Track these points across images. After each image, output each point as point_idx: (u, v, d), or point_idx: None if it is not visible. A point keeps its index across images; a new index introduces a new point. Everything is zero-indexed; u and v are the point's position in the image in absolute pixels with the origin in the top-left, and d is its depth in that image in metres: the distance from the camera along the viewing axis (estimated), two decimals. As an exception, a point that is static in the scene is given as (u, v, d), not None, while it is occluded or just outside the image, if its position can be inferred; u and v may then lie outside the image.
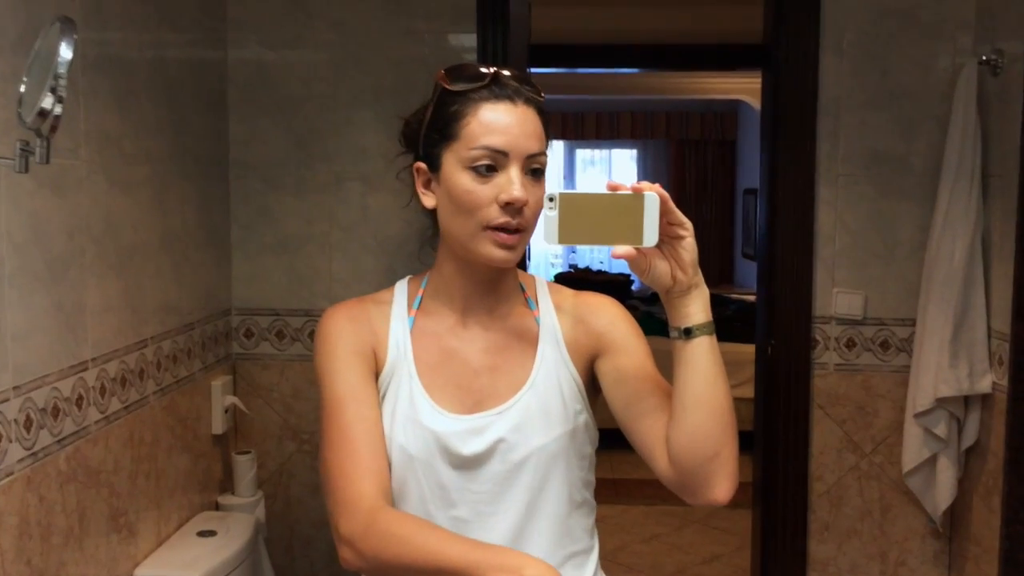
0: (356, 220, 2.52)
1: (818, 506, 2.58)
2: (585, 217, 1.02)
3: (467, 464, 1.16)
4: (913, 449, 2.42)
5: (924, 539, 2.55)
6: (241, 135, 2.50)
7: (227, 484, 2.45)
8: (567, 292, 1.28)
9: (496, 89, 1.13)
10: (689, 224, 1.04)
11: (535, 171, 1.14)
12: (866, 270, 2.51)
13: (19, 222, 1.50)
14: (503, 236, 1.12)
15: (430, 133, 1.17)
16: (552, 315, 1.24)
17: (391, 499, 1.15)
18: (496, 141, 1.11)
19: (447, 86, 1.15)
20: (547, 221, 1.03)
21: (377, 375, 1.20)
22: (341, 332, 1.20)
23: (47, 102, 1.15)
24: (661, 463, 1.13)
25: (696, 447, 1.09)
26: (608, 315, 1.23)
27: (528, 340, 1.22)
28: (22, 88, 1.20)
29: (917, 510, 2.53)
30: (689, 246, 1.04)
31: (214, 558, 2.00)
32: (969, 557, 2.44)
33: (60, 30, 1.16)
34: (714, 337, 1.09)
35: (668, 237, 1.04)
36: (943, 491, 2.41)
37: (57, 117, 1.16)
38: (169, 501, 2.10)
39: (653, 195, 1.00)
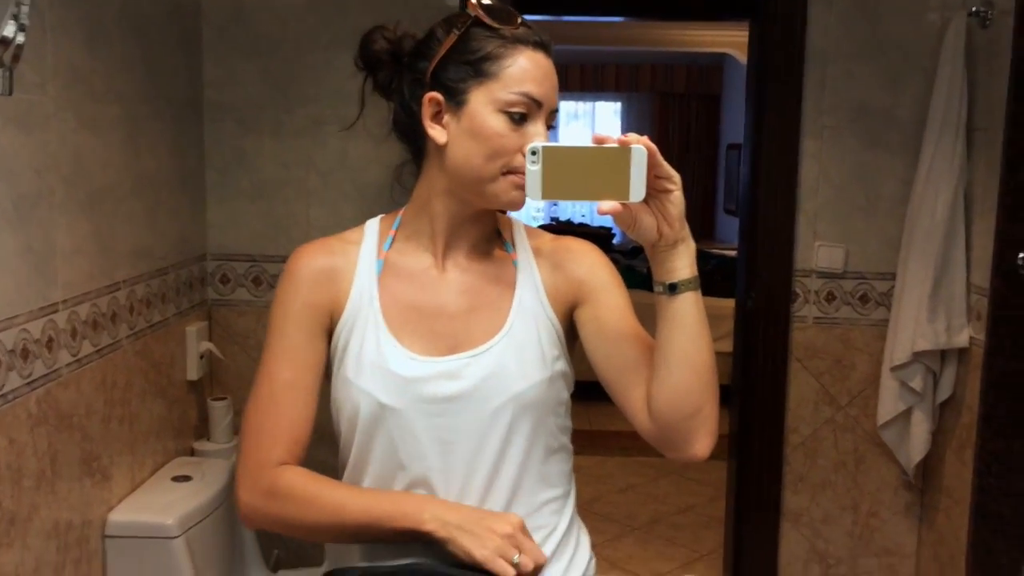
0: (334, 165, 2.48)
1: (793, 458, 2.60)
2: (569, 171, 0.98)
3: (440, 410, 1.12)
4: (888, 402, 2.44)
5: (896, 491, 2.58)
6: (216, 76, 2.44)
7: (202, 430, 2.43)
8: (546, 236, 1.25)
9: (533, 36, 1.11)
10: (677, 177, 1.01)
11: (550, 128, 1.13)
12: (848, 224, 2.51)
13: (-16, 158, 1.46)
14: (520, 179, 1.09)
15: (455, 65, 1.11)
16: (530, 259, 1.20)
17: (299, 458, 1.14)
18: (535, 90, 1.09)
19: (489, 21, 1.10)
20: (530, 176, 0.98)
21: (335, 324, 1.16)
22: (295, 281, 1.16)
23: (9, 30, 1.11)
24: (641, 418, 1.11)
25: (678, 404, 1.07)
26: (588, 262, 1.19)
27: (505, 283, 1.18)
28: (-17, 16, 1.15)
29: (890, 462, 2.56)
30: (676, 200, 1.01)
31: (189, 503, 1.99)
32: (940, 509, 2.48)
33: (22, -46, 1.11)
34: (699, 293, 1.06)
35: (655, 191, 1.00)
36: (917, 444, 2.43)
37: (20, 46, 1.11)
38: (143, 446, 2.08)
39: (640, 148, 0.97)
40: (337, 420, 1.18)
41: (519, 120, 1.09)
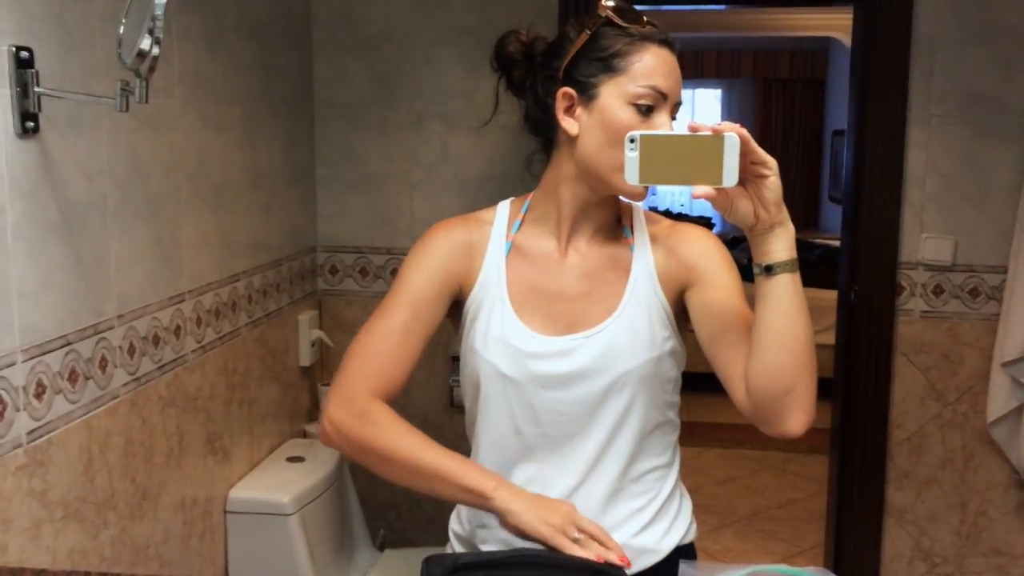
0: (436, 159, 2.56)
1: (897, 454, 2.55)
2: (666, 158, 1.04)
3: (555, 384, 1.20)
4: (999, 398, 2.37)
5: (1007, 490, 2.51)
6: (325, 74, 2.55)
7: (314, 414, 2.55)
8: (664, 222, 1.31)
9: (658, 33, 1.18)
10: (772, 163, 1.04)
11: (673, 116, 1.19)
12: (957, 215, 2.43)
13: (120, 159, 1.58)
14: None
15: (586, 62, 1.18)
16: (646, 244, 1.26)
17: (392, 399, 1.21)
18: (662, 83, 1.15)
19: (619, 21, 1.18)
20: (628, 162, 1.04)
21: (466, 297, 1.25)
22: (436, 246, 1.26)
23: (145, 43, 1.20)
24: (739, 394, 1.16)
25: (772, 381, 1.11)
26: (700, 246, 1.25)
27: (621, 268, 1.25)
28: (121, 30, 1.25)
29: (1000, 460, 2.48)
30: (772, 185, 1.05)
31: (303, 482, 2.11)
32: (1054, 509, 2.40)
33: (157, -27, 1.20)
34: (797, 275, 1.10)
35: (751, 176, 1.04)
36: (1029, 442, 2.35)
37: (155, 57, 1.21)
38: (260, 428, 2.21)
39: (733, 135, 1.01)
40: (464, 385, 1.29)
41: (646, 112, 1.15)
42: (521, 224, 1.28)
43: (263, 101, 2.20)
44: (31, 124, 1.32)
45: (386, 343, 1.21)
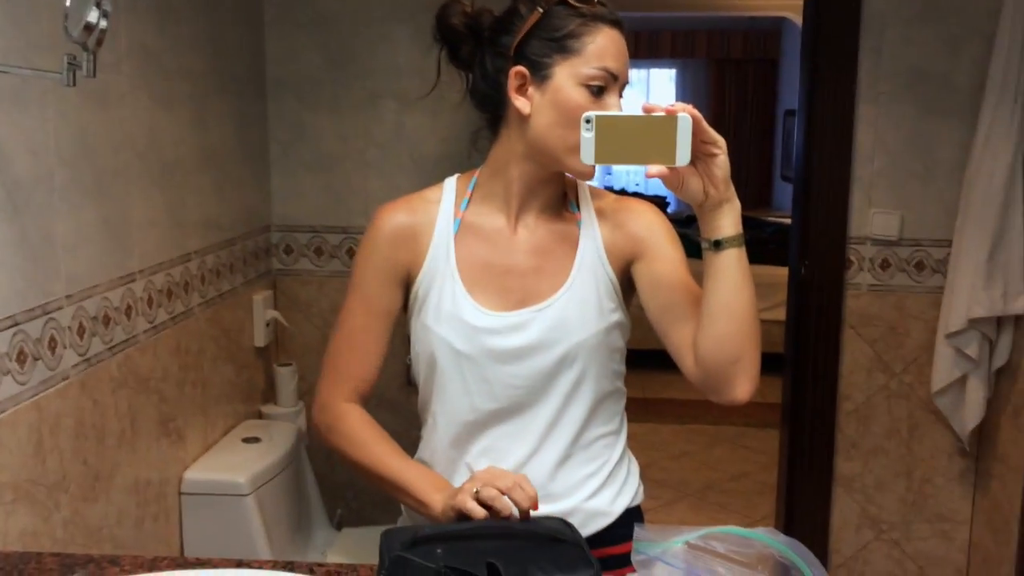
0: (391, 138, 2.54)
1: (846, 424, 2.62)
2: (620, 138, 1.07)
3: (509, 359, 1.23)
4: (944, 369, 2.44)
5: (951, 457, 2.58)
6: (277, 52, 2.52)
7: (269, 395, 2.54)
8: (609, 197, 1.33)
9: (609, 16, 1.19)
10: (722, 142, 1.08)
11: (621, 95, 1.22)
12: (904, 190, 2.49)
13: (67, 136, 1.55)
14: None
15: (539, 42, 1.19)
16: (593, 219, 1.29)
17: (365, 400, 1.31)
18: (613, 65, 1.18)
19: (572, 2, 1.19)
20: (584, 142, 1.07)
21: (414, 277, 1.28)
22: (379, 238, 1.28)
23: (92, 16, 1.18)
24: (688, 364, 1.21)
25: (720, 351, 1.16)
26: (646, 220, 1.28)
27: (569, 242, 1.27)
28: (67, 2, 1.22)
29: (944, 429, 2.56)
30: (721, 163, 1.08)
31: (259, 463, 2.10)
32: (995, 475, 2.48)
33: (102, -56, 1.18)
34: (743, 250, 1.14)
35: (701, 154, 1.08)
36: (972, 411, 2.43)
37: (103, 31, 1.18)
38: (215, 409, 2.19)
39: (686, 116, 1.04)
40: (416, 363, 1.31)
41: (598, 93, 1.17)
42: (469, 201, 1.30)
43: (214, 78, 2.17)
44: (-28, 99, 1.29)
45: (349, 347, 1.29)
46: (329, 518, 2.46)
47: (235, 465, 2.08)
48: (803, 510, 2.70)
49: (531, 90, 1.20)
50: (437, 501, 1.17)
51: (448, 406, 1.28)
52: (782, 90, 8.15)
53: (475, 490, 1.10)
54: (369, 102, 2.53)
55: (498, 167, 1.27)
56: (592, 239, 1.27)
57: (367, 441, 1.26)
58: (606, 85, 1.18)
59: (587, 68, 1.17)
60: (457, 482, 1.23)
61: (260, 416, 2.47)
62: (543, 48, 1.19)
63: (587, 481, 1.28)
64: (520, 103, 1.20)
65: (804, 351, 2.60)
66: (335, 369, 1.30)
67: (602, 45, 1.17)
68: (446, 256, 1.26)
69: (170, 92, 1.94)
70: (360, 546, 2.31)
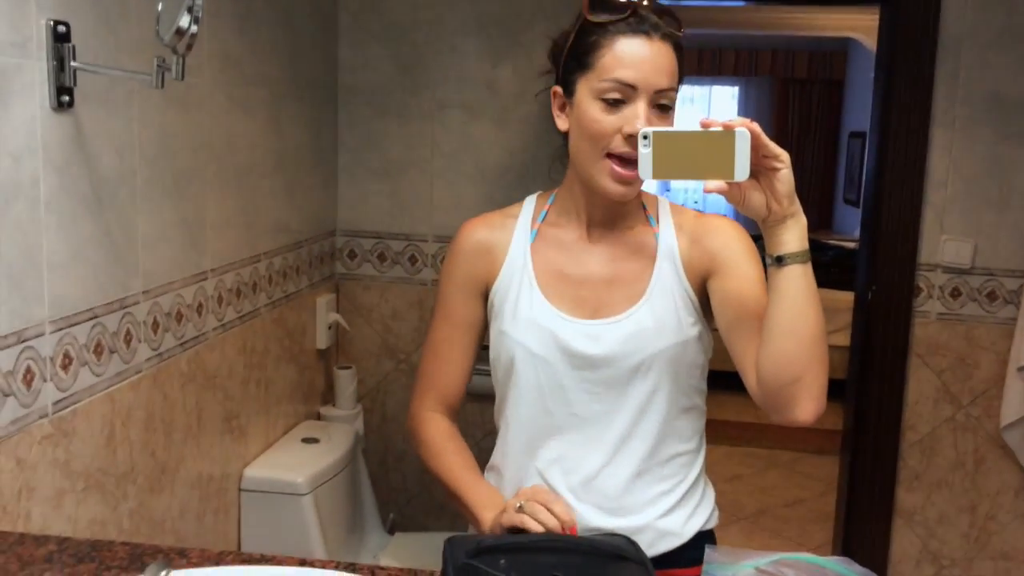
0: (457, 148, 2.56)
1: (909, 455, 2.55)
2: (678, 153, 1.07)
3: (583, 365, 1.24)
4: (1014, 403, 2.37)
5: (1018, 494, 2.51)
6: (350, 60, 2.56)
7: (329, 396, 2.57)
8: (690, 213, 1.33)
9: (634, 22, 1.17)
10: (785, 156, 1.06)
11: (663, 106, 1.18)
12: (978, 218, 2.43)
13: (150, 136, 1.59)
14: (619, 171, 1.18)
15: (569, 60, 1.22)
16: (671, 233, 1.29)
17: (452, 409, 1.37)
18: (627, 75, 1.16)
19: (588, 16, 1.20)
20: (642, 158, 1.08)
21: (490, 287, 1.32)
22: (459, 255, 1.34)
23: (184, 20, 1.21)
24: (751, 382, 1.18)
25: (781, 370, 1.13)
26: (724, 236, 1.27)
27: (646, 255, 1.28)
28: (159, 6, 1.26)
29: (1012, 465, 2.48)
30: (784, 177, 1.06)
31: (318, 463, 2.12)
32: (1064, 515, 2.40)
33: (196, -49, 1.21)
34: (808, 266, 1.11)
35: (763, 169, 1.07)
36: (1042, 447, 2.36)
37: (193, 35, 1.22)
38: (276, 408, 2.22)
39: (744, 130, 1.03)
40: (494, 370, 1.33)
41: (614, 104, 1.17)
42: (547, 214, 1.33)
43: (289, 84, 2.21)
44: (66, 98, 1.33)
45: (433, 358, 1.36)
46: (382, 522, 2.48)
47: (294, 465, 2.10)
48: (861, 541, 2.64)
49: (567, 109, 1.23)
50: (487, 519, 1.18)
51: (523, 410, 1.29)
52: (847, 111, 8.02)
53: (518, 504, 1.11)
54: (437, 111, 2.56)
55: (568, 183, 1.31)
56: (670, 253, 1.27)
57: (441, 451, 1.30)
58: (623, 96, 1.17)
59: (599, 82, 1.17)
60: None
61: (319, 417, 2.50)
62: (571, 65, 1.22)
63: (660, 499, 1.27)
64: (560, 121, 1.25)
65: (868, 378, 2.55)
66: (421, 379, 1.37)
67: (616, 57, 1.17)
68: (523, 264, 1.29)
69: (247, 97, 1.98)
70: (411, 551, 2.32)
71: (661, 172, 1.08)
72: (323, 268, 2.53)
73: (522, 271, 1.29)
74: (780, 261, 1.10)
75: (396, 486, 2.69)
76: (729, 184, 1.06)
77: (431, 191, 2.59)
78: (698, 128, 1.06)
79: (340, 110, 2.57)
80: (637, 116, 1.16)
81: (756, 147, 1.04)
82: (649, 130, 1.07)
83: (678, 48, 1.21)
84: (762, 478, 4.14)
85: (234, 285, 1.95)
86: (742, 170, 1.04)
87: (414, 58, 2.54)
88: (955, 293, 2.47)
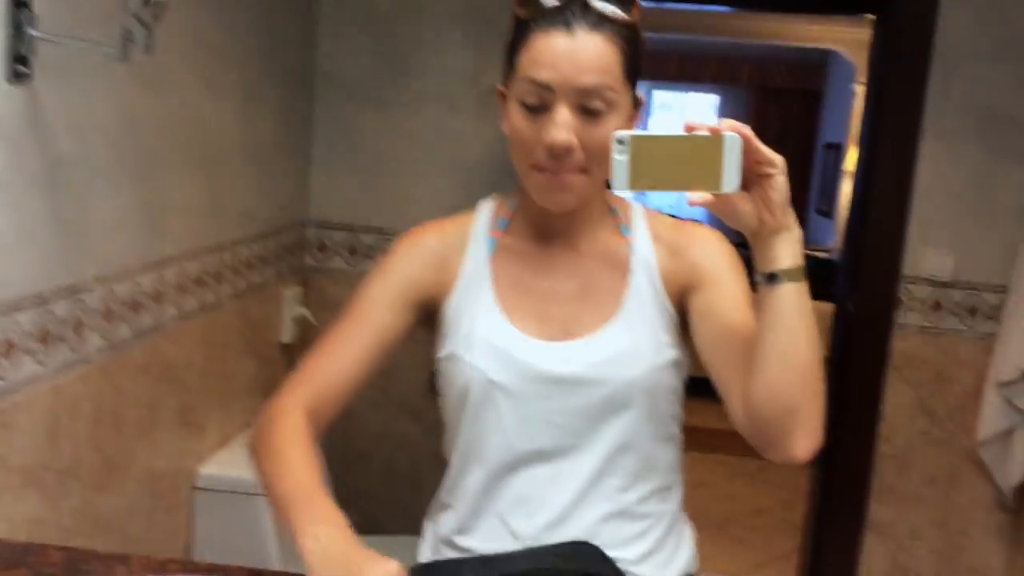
0: (436, 142, 2.49)
1: (883, 469, 2.52)
2: (659, 161, 0.92)
3: (551, 394, 1.09)
4: (991, 419, 2.35)
5: (990, 511, 2.48)
6: (328, 47, 2.47)
7: (292, 393, 2.48)
8: (667, 220, 1.19)
9: (552, 15, 1.01)
10: (780, 161, 0.94)
11: (591, 111, 1.01)
12: (961, 231, 2.40)
13: (112, 115, 1.50)
14: (550, 177, 1.03)
15: (504, 59, 1.08)
16: (647, 243, 1.15)
17: (322, 417, 1.09)
18: (541, 75, 1.00)
19: (514, 10, 1.05)
20: (617, 166, 0.91)
21: (439, 306, 1.14)
22: (399, 255, 1.15)
23: (149, -12, 1.13)
24: (738, 414, 1.05)
25: (773, 401, 0.99)
26: (707, 248, 1.13)
27: (619, 268, 1.13)
28: (123, -27, 1.18)
29: (986, 481, 2.46)
30: (778, 185, 0.94)
31: (277, 463, 2.04)
32: (1037, 535, 2.37)
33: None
34: (803, 284, 0.98)
35: (755, 176, 0.94)
36: (1018, 464, 2.33)
37: (161, 5, 1.14)
38: (235, 403, 2.14)
39: (734, 135, 0.90)
40: (444, 398, 1.16)
41: (534, 110, 1.02)
42: (509, 222, 1.17)
43: (263, 68, 2.12)
44: (23, 68, 1.24)
45: (323, 353, 1.11)
46: (343, 525, 2.39)
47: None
48: (830, 553, 2.60)
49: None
50: (316, 535, 0.92)
51: (479, 445, 1.12)
52: (823, 123, 8.05)
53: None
54: (416, 103, 2.48)
55: (524, 188, 1.14)
56: (646, 266, 1.13)
57: (277, 452, 1.01)
58: (542, 101, 1.01)
59: (519, 84, 1.03)
60: (489, 535, 1.10)
61: (281, 414, 2.41)
62: (505, 64, 1.07)
63: (635, 542, 1.12)
64: (503, 123, 1.09)
65: (845, 390, 2.51)
66: (299, 370, 1.11)
67: (531, 55, 1.01)
68: (479, 279, 1.13)
69: (218, 78, 1.89)
70: (373, 556, 2.24)
71: (639, 183, 0.92)
72: (291, 260, 2.44)
73: (479, 287, 1.12)
74: (773, 279, 0.97)
75: (358, 487, 2.61)
76: (716, 196, 0.93)
77: (407, 185, 2.51)
78: (681, 132, 0.91)
79: (316, 98, 2.49)
80: (554, 123, 1.00)
81: (747, 152, 0.91)
82: (626, 134, 0.91)
83: (623, 39, 1.03)
84: (729, 485, 4.11)
85: (196, 274, 1.86)
86: (731, 180, 0.91)
87: (395, 48, 2.46)
88: (936, 306, 2.44)
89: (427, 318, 1.16)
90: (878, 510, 2.54)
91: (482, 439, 1.11)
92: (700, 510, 3.78)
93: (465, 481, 1.14)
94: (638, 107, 1.08)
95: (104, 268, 1.52)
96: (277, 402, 1.08)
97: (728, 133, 0.90)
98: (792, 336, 0.98)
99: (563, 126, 1.00)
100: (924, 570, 2.54)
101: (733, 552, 3.46)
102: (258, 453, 1.05)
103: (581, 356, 1.09)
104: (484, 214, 1.18)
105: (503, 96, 1.09)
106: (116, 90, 1.51)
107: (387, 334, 1.11)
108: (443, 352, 1.14)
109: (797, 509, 3.41)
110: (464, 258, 1.14)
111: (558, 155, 1.01)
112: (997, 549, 2.49)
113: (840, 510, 2.57)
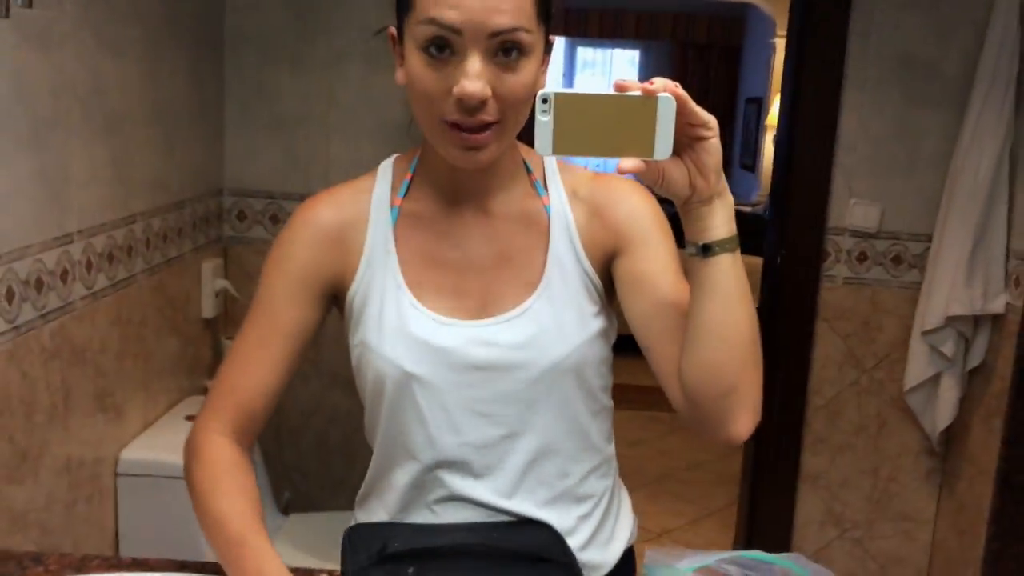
0: (357, 101, 2.39)
1: (814, 420, 2.56)
2: (586, 123, 0.84)
3: (472, 381, 1.00)
4: (917, 367, 2.39)
5: (918, 457, 2.54)
6: (238, 1, 2.34)
7: (215, 369, 2.38)
8: (583, 174, 1.07)
9: None
10: (713, 122, 0.85)
11: (507, 53, 0.89)
12: (885, 181, 2.42)
13: (1, 78, 1.38)
14: (464, 136, 0.91)
15: None
16: (564, 203, 1.04)
17: (248, 434, 1.03)
18: (446, 14, 0.87)
19: None
20: (540, 127, 0.83)
21: (347, 287, 1.03)
22: (301, 241, 1.03)
23: (29, -66, 1.02)
24: (675, 393, 0.98)
25: (711, 380, 0.93)
26: (629, 206, 1.03)
27: (537, 232, 1.03)
28: (1, -82, 1.07)
29: (913, 428, 2.51)
30: (712, 148, 0.86)
31: (203, 443, 1.95)
32: (963, 477, 2.44)
33: None
34: (737, 255, 0.91)
35: (688, 139, 0.86)
36: (944, 410, 2.38)
37: (41, -49, 1.03)
38: (157, 384, 2.04)
39: (668, 96, 0.82)
40: (361, 391, 1.07)
41: (437, 54, 0.89)
42: (410, 185, 1.04)
43: (168, 25, 1.99)
44: None
45: (238, 368, 1.02)
46: (276, 502, 2.33)
47: (177, 445, 1.89)
48: (766, 504, 2.64)
49: (402, 59, 0.95)
50: None
51: (399, 443, 1.03)
52: (743, 78, 8.11)
53: None
54: (335, 61, 2.38)
55: (428, 146, 1.01)
56: (565, 229, 1.03)
57: (211, 490, 0.97)
58: (449, 45, 0.88)
59: (416, 25, 0.89)
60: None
61: (206, 392, 2.30)
62: (399, 3, 0.94)
63: (579, 527, 1.06)
64: (398, 73, 0.96)
65: (775, 343, 2.53)
66: (216, 389, 1.03)
67: None
68: (384, 255, 1.02)
69: (118, 36, 1.76)
70: (307, 534, 2.17)
71: (564, 146, 0.84)
72: (209, 230, 2.33)
73: (384, 265, 1.01)
74: (707, 250, 0.89)
75: (291, 463, 2.54)
76: (647, 162, 0.84)
77: (328, 148, 2.41)
78: (611, 91, 0.83)
79: (227, 57, 2.36)
80: (464, 72, 0.88)
81: (680, 114, 0.83)
82: (549, 92, 0.82)
83: None
84: (664, 442, 4.15)
85: (105, 249, 1.75)
86: (664, 145, 0.83)
87: (311, 2, 2.35)
88: (861, 257, 2.47)
89: (337, 302, 1.06)
90: (810, 460, 2.58)
91: (405, 434, 1.02)
92: (636, 468, 3.84)
93: (393, 474, 1.06)
94: (549, 51, 0.97)
95: (1, 246, 1.41)
96: (199, 433, 1.02)
97: (662, 94, 0.82)
98: (729, 311, 0.92)
99: (475, 75, 0.88)
100: (857, 517, 2.59)
101: (671, 507, 3.49)
102: (191, 493, 0.99)
103: (502, 338, 1.00)
104: (385, 177, 1.06)
105: (395, 40, 0.97)
106: (3, 51, 1.38)
107: (298, 332, 1.02)
108: (354, 339, 1.04)
109: (732, 462, 3.46)
110: (365, 234, 1.03)
111: (471, 108, 0.89)
112: (927, 493, 2.56)
113: (775, 461, 2.60)
